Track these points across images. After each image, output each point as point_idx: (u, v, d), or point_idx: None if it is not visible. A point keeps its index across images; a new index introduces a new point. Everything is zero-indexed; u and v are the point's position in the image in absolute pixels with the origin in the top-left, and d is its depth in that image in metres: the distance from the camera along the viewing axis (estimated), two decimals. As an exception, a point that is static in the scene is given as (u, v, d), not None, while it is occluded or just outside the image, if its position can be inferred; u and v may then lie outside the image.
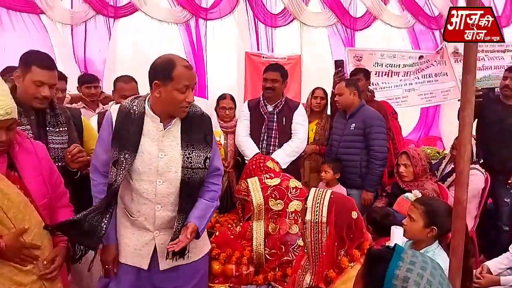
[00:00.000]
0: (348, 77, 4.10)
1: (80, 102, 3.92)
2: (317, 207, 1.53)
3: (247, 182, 2.44)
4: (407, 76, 5.60)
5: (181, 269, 1.91)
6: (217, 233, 2.38)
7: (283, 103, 3.28)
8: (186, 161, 1.81)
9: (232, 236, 2.32)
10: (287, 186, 2.36)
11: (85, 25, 4.98)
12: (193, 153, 1.82)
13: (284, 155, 3.15)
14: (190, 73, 1.77)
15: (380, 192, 3.33)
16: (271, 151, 3.22)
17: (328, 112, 3.90)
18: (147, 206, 1.82)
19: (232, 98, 3.72)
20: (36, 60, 2.02)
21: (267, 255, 2.20)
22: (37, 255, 1.64)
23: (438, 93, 5.67)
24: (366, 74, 3.98)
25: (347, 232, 1.49)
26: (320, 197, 1.57)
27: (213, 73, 5.33)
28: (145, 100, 1.83)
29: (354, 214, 1.50)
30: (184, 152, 1.81)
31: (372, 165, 3.27)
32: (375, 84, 5.37)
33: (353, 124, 3.34)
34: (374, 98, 4.09)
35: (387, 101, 4.47)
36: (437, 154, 5.18)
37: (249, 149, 3.23)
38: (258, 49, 5.37)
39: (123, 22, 5.12)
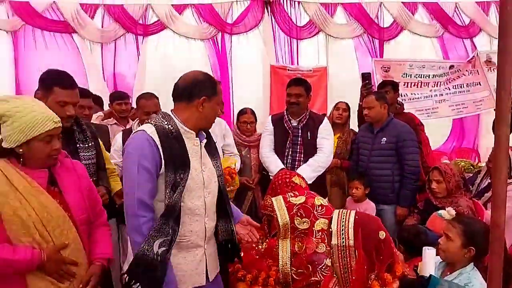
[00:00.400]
0: (376, 89, 4.03)
1: (112, 118, 4.03)
2: (342, 230, 1.49)
3: (272, 200, 2.40)
4: (437, 86, 5.44)
5: (216, 278, 2.01)
6: (241, 254, 2.35)
7: (307, 117, 3.25)
8: (218, 170, 1.93)
9: (257, 256, 2.27)
10: (312, 204, 2.30)
11: (115, 43, 5.16)
12: (218, 161, 1.96)
13: (309, 171, 3.10)
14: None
15: (412, 209, 3.21)
16: (296, 166, 3.18)
17: (352, 126, 3.84)
18: (199, 223, 1.83)
19: (253, 112, 3.75)
20: (57, 80, 2.04)
21: (293, 275, 2.13)
22: (74, 272, 1.66)
23: (471, 104, 5.47)
24: (395, 86, 3.90)
25: (376, 254, 1.43)
26: (344, 220, 1.52)
27: (238, 87, 5.38)
28: (171, 118, 1.80)
29: (382, 234, 1.45)
30: (213, 162, 1.92)
31: (406, 180, 3.20)
32: (404, 96, 5.26)
33: (384, 138, 3.28)
34: (404, 111, 4.00)
35: (413, 113, 4.36)
36: (471, 167, 4.97)
37: (274, 164, 3.21)
38: (283, 62, 5.37)
39: (152, 39, 5.27)
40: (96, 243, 1.81)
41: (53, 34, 4.88)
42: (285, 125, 3.26)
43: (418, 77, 5.39)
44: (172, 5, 5.15)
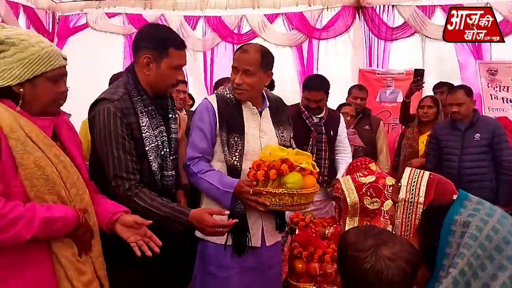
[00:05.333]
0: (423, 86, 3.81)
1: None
2: (413, 186, 1.42)
3: (340, 181, 2.35)
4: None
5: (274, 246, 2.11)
6: (296, 231, 2.35)
7: (327, 112, 2.99)
8: (281, 139, 2.03)
9: (314, 235, 2.26)
10: (383, 184, 2.20)
11: (212, 51, 5.61)
12: (284, 132, 2.06)
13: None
14: None
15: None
16: (322, 166, 2.89)
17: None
18: None
19: None
20: (172, 40, 1.70)
21: (357, 253, 2.04)
22: (91, 246, 1.40)
23: None
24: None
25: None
26: (417, 177, 1.46)
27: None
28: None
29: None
30: (278, 131, 2.03)
31: (506, 177, 2.97)
32: (513, 102, 4.69)
33: (477, 135, 3.04)
34: None
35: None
36: None
37: None
38: (372, 66, 5.20)
39: (244, 47, 5.61)
40: (101, 205, 1.49)
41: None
42: (307, 121, 2.93)
43: (533, 82, 4.74)
44: (264, 15, 5.42)
